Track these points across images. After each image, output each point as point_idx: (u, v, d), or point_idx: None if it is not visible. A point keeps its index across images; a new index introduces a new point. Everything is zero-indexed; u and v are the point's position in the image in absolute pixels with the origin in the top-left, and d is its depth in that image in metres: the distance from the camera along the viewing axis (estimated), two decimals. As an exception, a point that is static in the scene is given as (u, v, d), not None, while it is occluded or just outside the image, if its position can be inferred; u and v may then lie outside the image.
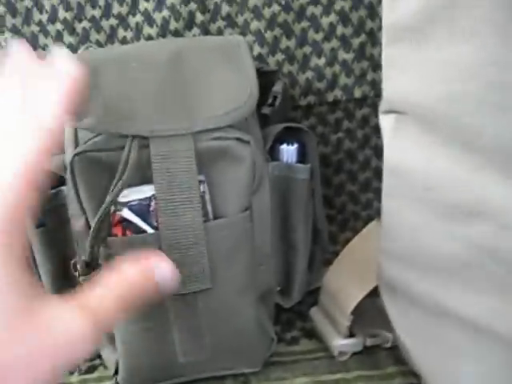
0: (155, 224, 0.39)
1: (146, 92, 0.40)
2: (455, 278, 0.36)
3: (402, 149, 0.36)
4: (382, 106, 0.38)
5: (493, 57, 0.28)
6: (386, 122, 0.37)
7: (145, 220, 0.40)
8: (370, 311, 0.47)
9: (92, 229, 0.37)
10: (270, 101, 0.54)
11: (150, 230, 0.39)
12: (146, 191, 0.40)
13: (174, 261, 0.36)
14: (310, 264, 0.54)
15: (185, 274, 0.39)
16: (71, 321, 0.26)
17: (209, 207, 0.41)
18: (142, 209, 0.39)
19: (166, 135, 0.39)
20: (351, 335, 0.48)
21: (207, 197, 0.41)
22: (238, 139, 0.41)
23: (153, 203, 0.39)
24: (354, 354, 0.49)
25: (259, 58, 0.59)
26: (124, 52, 0.43)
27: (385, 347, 0.49)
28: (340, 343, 0.47)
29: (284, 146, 0.51)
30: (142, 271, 0.30)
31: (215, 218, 0.41)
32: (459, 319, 0.37)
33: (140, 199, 0.40)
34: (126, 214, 0.39)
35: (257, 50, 0.58)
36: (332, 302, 0.49)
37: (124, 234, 0.39)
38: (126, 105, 0.39)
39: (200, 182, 0.40)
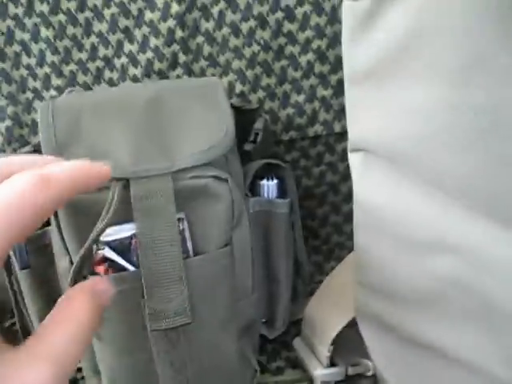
0: (136, 262, 0.41)
1: (126, 135, 0.42)
2: (426, 309, 0.37)
3: (370, 185, 0.37)
4: (349, 144, 0.40)
5: (443, 100, 0.30)
6: (353, 159, 0.39)
7: (126, 258, 0.41)
8: (351, 340, 0.48)
9: (73, 267, 0.39)
10: (251, 137, 0.55)
11: (131, 268, 0.41)
12: (128, 230, 0.41)
13: (155, 297, 0.38)
14: (294, 295, 0.55)
15: (166, 309, 0.40)
16: (30, 373, 0.24)
17: (189, 244, 0.42)
18: (124, 247, 0.41)
19: (146, 176, 0.40)
20: (333, 364, 0.49)
21: (187, 234, 0.42)
22: (215, 177, 0.42)
23: (134, 241, 0.41)
24: (337, 382, 0.50)
25: (241, 96, 0.61)
26: (105, 96, 0.45)
27: (367, 375, 0.50)
28: (322, 373, 0.48)
29: (264, 182, 0.53)
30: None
31: (196, 254, 0.43)
32: (433, 349, 0.38)
33: (121, 238, 0.41)
34: (108, 252, 0.40)
35: (239, 87, 0.60)
36: (313, 332, 0.50)
37: (107, 273, 0.41)
38: (107, 148, 0.41)
39: (180, 219, 0.41)
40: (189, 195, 0.42)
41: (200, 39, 0.59)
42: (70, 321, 0.27)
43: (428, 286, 0.36)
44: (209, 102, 0.45)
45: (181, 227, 0.42)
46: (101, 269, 0.41)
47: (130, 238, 0.41)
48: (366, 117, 0.35)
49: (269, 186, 0.52)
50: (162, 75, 0.60)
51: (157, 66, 0.60)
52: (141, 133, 0.42)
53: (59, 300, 0.29)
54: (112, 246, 0.41)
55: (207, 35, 0.59)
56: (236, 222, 0.44)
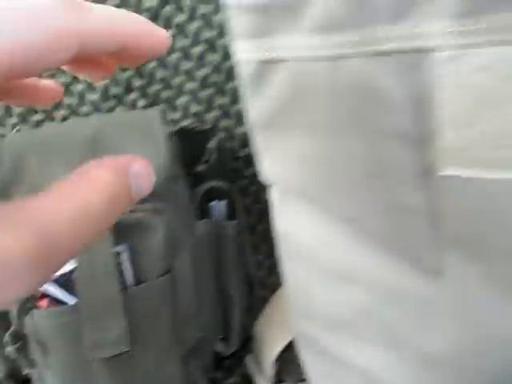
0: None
1: (67, 173, 0.44)
2: (344, 332, 0.39)
3: (287, 218, 0.39)
4: (264, 180, 0.42)
5: (326, 150, 0.32)
6: (272, 192, 0.41)
7: (69, 291, 0.43)
8: (298, 357, 0.50)
9: (18, 304, 0.41)
10: (206, 157, 0.57)
11: (72, 301, 0.43)
12: (71, 264, 0.43)
13: (94, 327, 0.40)
14: (248, 312, 0.57)
15: (105, 339, 0.42)
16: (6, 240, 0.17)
17: (129, 275, 0.44)
18: (66, 281, 0.43)
19: (83, 213, 0.42)
20: (281, 381, 0.51)
21: (127, 265, 0.44)
22: (151, 210, 0.44)
23: (74, 275, 0.43)
24: (285, 397, 0.52)
25: (196, 116, 0.63)
26: (49, 134, 0.47)
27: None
28: (269, 389, 0.51)
29: (214, 203, 0.55)
30: (112, 169, 0.21)
31: (139, 283, 0.45)
32: (358, 370, 0.40)
33: (65, 272, 0.43)
34: (49, 287, 0.43)
35: (194, 108, 0.62)
36: (260, 350, 0.52)
37: (49, 306, 0.43)
38: (46, 186, 0.43)
39: (118, 253, 0.43)
40: (128, 228, 0.44)
41: (153, 64, 0.61)
42: (73, 195, 0.20)
43: (343, 313, 0.38)
44: (145, 137, 0.47)
45: (119, 260, 0.44)
46: (43, 303, 0.43)
47: (72, 271, 0.43)
48: (271, 159, 0.37)
49: (218, 207, 0.54)
50: (119, 99, 0.62)
51: (113, 90, 0.61)
52: (80, 170, 0.44)
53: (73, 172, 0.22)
54: (54, 280, 0.43)
55: (159, 60, 0.60)
56: (176, 250, 0.46)
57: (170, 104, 0.63)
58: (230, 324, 0.56)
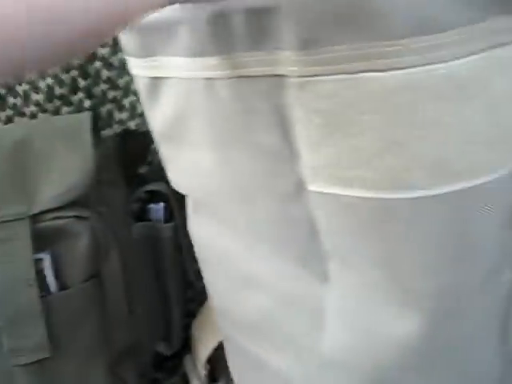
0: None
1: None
2: (258, 336, 0.40)
3: (199, 227, 0.40)
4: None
5: (213, 161, 0.32)
6: (187, 201, 0.41)
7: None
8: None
9: None
10: (149, 159, 0.58)
11: (-8, 308, 0.44)
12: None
13: (14, 334, 0.41)
14: (189, 312, 0.57)
15: (25, 345, 0.43)
16: None
17: (51, 281, 0.45)
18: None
19: (3, 221, 0.43)
20: (215, 380, 0.52)
21: (49, 272, 0.45)
22: (76, 217, 0.45)
23: (-5, 282, 0.43)
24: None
25: (143, 117, 0.63)
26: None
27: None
28: (201, 390, 0.51)
29: (152, 206, 0.55)
30: None
31: (62, 289, 0.45)
32: (272, 370, 0.40)
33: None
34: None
35: (141, 108, 0.62)
36: (194, 351, 0.53)
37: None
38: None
39: (39, 259, 0.44)
40: (51, 235, 0.44)
41: (98, 64, 0.61)
42: None
43: (251, 317, 0.39)
44: (73, 143, 0.47)
45: (41, 267, 0.44)
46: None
47: (-7, 278, 0.44)
48: (174, 171, 0.38)
49: (156, 210, 0.55)
50: (64, 100, 0.62)
51: (58, 91, 0.61)
52: (4, 177, 0.45)
53: None
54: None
55: (104, 60, 0.60)
56: (104, 255, 0.47)
57: (117, 104, 0.63)
58: (171, 325, 0.57)
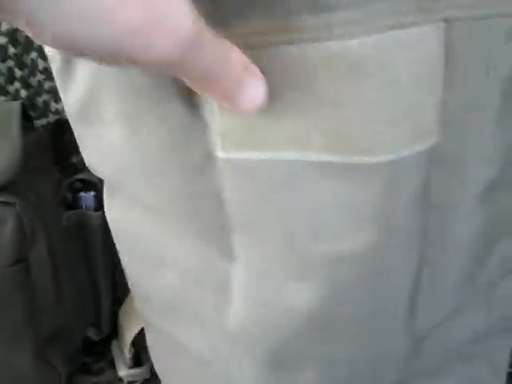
0: None
1: None
2: (173, 316, 0.41)
3: (113, 209, 0.41)
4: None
5: (127, 140, 0.34)
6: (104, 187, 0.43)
7: None
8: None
9: None
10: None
11: None
12: None
13: None
14: (119, 298, 0.59)
15: None
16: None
17: (-25, 265, 0.46)
18: None
19: None
20: (139, 364, 0.54)
21: (-26, 256, 0.46)
22: (1, 202, 0.46)
23: None
24: (146, 380, 0.54)
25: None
26: None
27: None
28: (125, 373, 0.53)
29: (82, 194, 0.56)
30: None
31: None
32: (188, 351, 0.42)
33: None
34: None
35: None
36: (121, 335, 0.54)
37: None
38: None
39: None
40: (-23, 220, 0.46)
41: (34, 54, 0.62)
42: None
43: (165, 297, 0.40)
44: (1, 130, 0.48)
45: (-35, 250, 0.45)
46: None
47: None
48: (89, 150, 0.38)
49: (86, 198, 0.56)
50: (1, 90, 0.63)
51: (-6, 80, 0.62)
52: None
53: None
54: None
55: (41, 51, 0.61)
56: (32, 240, 0.48)
57: (54, 94, 0.64)
58: (100, 311, 0.58)
